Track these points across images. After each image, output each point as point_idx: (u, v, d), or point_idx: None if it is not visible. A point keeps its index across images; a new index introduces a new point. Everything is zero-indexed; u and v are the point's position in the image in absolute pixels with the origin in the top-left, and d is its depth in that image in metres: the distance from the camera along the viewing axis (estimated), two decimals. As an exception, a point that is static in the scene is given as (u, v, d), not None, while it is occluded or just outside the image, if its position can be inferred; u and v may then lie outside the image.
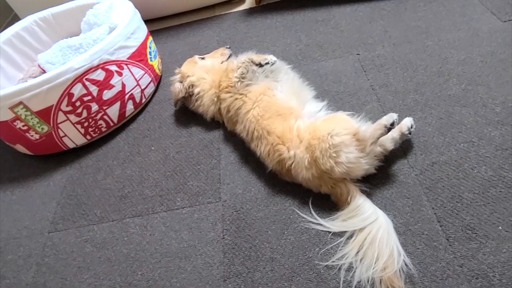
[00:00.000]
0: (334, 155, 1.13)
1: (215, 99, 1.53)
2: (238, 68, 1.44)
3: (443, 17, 1.79)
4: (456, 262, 1.02)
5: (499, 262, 0.99)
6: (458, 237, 1.07)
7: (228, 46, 1.74)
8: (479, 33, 1.64)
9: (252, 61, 1.43)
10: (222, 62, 1.64)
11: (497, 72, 1.46)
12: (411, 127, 1.27)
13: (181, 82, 1.61)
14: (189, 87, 1.57)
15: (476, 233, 1.06)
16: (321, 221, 1.17)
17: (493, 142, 1.25)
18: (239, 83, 1.41)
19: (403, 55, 1.67)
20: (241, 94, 1.41)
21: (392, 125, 1.15)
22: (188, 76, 1.60)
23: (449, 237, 1.07)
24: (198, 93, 1.56)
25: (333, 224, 1.16)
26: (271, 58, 1.46)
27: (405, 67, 1.61)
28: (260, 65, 1.43)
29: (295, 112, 1.31)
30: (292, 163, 1.22)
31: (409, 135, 1.27)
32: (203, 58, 1.69)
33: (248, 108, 1.36)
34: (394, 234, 1.08)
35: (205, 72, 1.58)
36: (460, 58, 1.56)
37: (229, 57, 1.68)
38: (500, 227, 1.06)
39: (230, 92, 1.44)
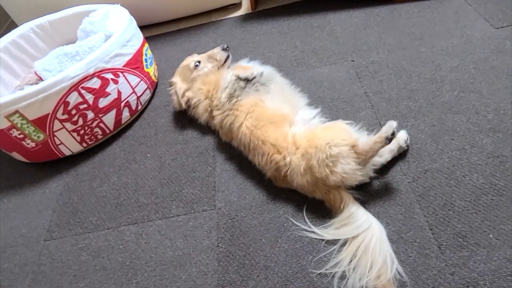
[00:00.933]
0: (331, 164, 1.13)
1: (208, 108, 1.54)
2: (225, 88, 1.44)
3: (437, 24, 1.80)
4: (447, 270, 1.03)
5: (490, 270, 1.00)
6: (450, 245, 1.07)
7: (225, 47, 1.66)
8: (472, 40, 1.66)
9: (238, 77, 1.43)
10: (218, 68, 1.64)
11: (490, 79, 1.47)
12: (407, 140, 1.30)
13: (179, 96, 1.62)
14: (187, 101, 1.61)
15: (467, 241, 1.07)
16: (314, 229, 1.18)
17: (485, 149, 1.26)
18: (227, 103, 1.42)
19: (397, 62, 1.68)
20: (231, 109, 1.41)
21: (393, 134, 1.14)
22: (185, 91, 1.61)
23: (441, 245, 1.08)
24: (195, 103, 1.59)
25: (326, 232, 1.16)
26: (257, 70, 1.44)
27: (399, 74, 1.62)
28: (247, 80, 1.43)
29: (288, 118, 1.32)
30: (288, 169, 1.23)
31: (405, 147, 1.29)
32: (197, 64, 1.62)
33: (240, 121, 1.37)
34: (387, 242, 1.09)
35: (201, 83, 1.58)
36: (453, 65, 1.58)
37: (226, 60, 1.66)
38: (491, 235, 1.07)
39: (220, 109, 1.46)
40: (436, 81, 1.54)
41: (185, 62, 1.68)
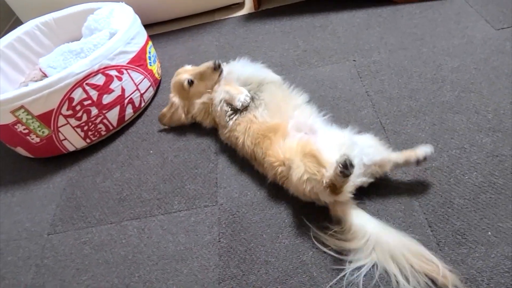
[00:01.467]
0: (313, 196, 1.15)
1: (213, 120, 1.57)
2: (220, 117, 1.47)
3: (438, 24, 1.81)
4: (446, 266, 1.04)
5: (488, 267, 1.01)
6: (448, 242, 1.09)
7: (217, 62, 1.52)
8: (473, 40, 1.67)
9: (228, 104, 1.44)
10: (213, 87, 1.54)
11: (490, 80, 1.49)
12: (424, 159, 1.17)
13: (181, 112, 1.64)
14: (192, 117, 1.64)
15: (466, 239, 1.08)
16: (324, 236, 1.15)
17: (484, 148, 1.27)
18: (227, 124, 1.44)
19: (398, 61, 1.69)
20: (231, 130, 1.43)
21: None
22: (187, 109, 1.63)
23: (440, 242, 1.09)
24: (199, 120, 1.63)
25: (335, 244, 1.13)
26: (245, 99, 1.39)
27: (400, 73, 1.64)
28: (236, 109, 1.42)
29: (280, 129, 1.28)
30: (286, 179, 1.23)
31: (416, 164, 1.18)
32: (191, 83, 1.56)
33: (242, 141, 1.38)
34: (407, 242, 1.06)
35: (201, 101, 1.57)
36: (454, 65, 1.59)
37: (220, 74, 1.54)
38: (489, 233, 1.08)
39: (225, 128, 1.47)
40: (437, 81, 1.55)
41: (178, 78, 1.61)
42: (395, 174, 1.29)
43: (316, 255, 1.15)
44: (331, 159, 1.07)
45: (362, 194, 1.23)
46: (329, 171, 1.07)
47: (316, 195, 1.13)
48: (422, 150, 1.15)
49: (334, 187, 1.08)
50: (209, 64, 1.54)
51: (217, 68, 1.53)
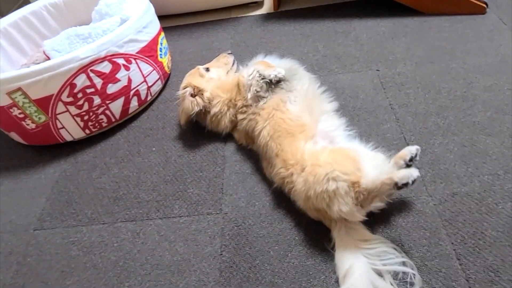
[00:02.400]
0: (327, 200, 1.01)
1: (233, 118, 1.42)
2: (250, 86, 1.32)
3: (469, 40, 1.71)
4: (476, 307, 0.92)
5: (525, 312, 0.89)
6: (479, 278, 0.97)
7: (229, 52, 1.62)
8: (508, 59, 1.56)
9: (262, 77, 1.31)
10: (227, 72, 1.54)
11: (526, 102, 1.38)
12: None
13: (193, 96, 1.42)
14: (208, 103, 1.41)
15: (499, 276, 0.96)
16: None
17: (521, 177, 1.16)
18: (255, 103, 1.32)
19: (425, 75, 1.58)
20: (254, 113, 1.31)
21: (406, 185, 0.95)
22: (200, 90, 1.42)
23: (469, 277, 0.97)
24: (215, 113, 1.41)
25: None
26: (279, 72, 1.30)
27: (427, 88, 1.53)
28: (270, 82, 1.30)
29: (306, 130, 1.18)
30: (293, 187, 1.12)
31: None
32: (207, 69, 1.53)
33: (260, 128, 1.26)
34: None
35: (217, 88, 1.43)
36: (486, 84, 1.48)
37: (233, 64, 1.58)
38: (526, 273, 0.96)
39: (244, 113, 1.35)
40: (468, 99, 1.44)
41: (192, 71, 1.54)
42: (419, 196, 1.17)
43: (328, 280, 1.03)
44: (367, 169, 1.00)
45: (382, 217, 1.11)
46: (370, 178, 0.98)
47: (332, 200, 1.00)
48: (405, 173, 0.97)
49: (366, 197, 0.99)
50: (222, 53, 1.59)
51: (230, 52, 1.56)
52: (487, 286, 0.95)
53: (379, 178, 0.98)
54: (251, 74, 1.33)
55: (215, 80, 1.49)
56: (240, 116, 1.38)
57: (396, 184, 0.96)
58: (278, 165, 1.17)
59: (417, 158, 1.09)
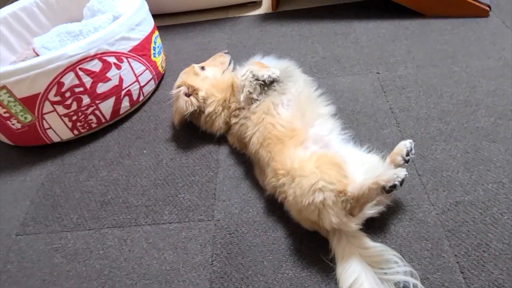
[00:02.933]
0: (316, 212, 0.96)
1: (228, 120, 1.36)
2: (243, 87, 1.26)
3: (472, 43, 1.66)
4: (481, 324, 0.87)
5: (534, 331, 0.84)
6: (484, 293, 0.91)
7: (226, 51, 1.57)
8: (511, 63, 1.52)
9: (255, 78, 1.25)
10: (223, 72, 1.48)
11: (531, 108, 1.33)
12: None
13: (187, 95, 1.37)
14: (203, 102, 1.36)
15: (505, 292, 0.91)
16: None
17: (526, 186, 1.11)
18: (247, 106, 1.26)
19: (427, 79, 1.54)
20: (246, 118, 1.25)
21: (393, 187, 0.90)
22: (195, 90, 1.37)
23: (474, 292, 0.92)
24: (209, 113, 1.36)
25: None
26: (273, 72, 1.25)
27: (428, 92, 1.48)
28: (264, 83, 1.25)
29: (297, 136, 1.12)
30: (285, 198, 1.06)
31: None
32: (202, 68, 1.48)
33: (250, 134, 1.21)
34: None
35: (212, 87, 1.38)
36: (490, 89, 1.43)
37: (229, 63, 1.53)
38: (534, 288, 0.91)
39: (237, 117, 1.29)
40: (471, 104, 1.39)
41: (187, 69, 1.50)
42: (421, 204, 1.12)
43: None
44: (355, 175, 0.96)
45: (382, 226, 1.06)
46: (357, 184, 0.93)
47: (321, 212, 0.95)
48: (391, 174, 0.92)
49: (355, 205, 0.93)
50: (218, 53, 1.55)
51: (227, 52, 1.53)
52: (493, 302, 0.90)
53: (365, 184, 0.92)
54: (244, 74, 1.28)
55: (211, 79, 1.43)
56: (233, 120, 1.32)
57: (383, 187, 0.90)
58: (270, 175, 1.11)
59: (413, 152, 1.04)
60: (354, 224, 0.97)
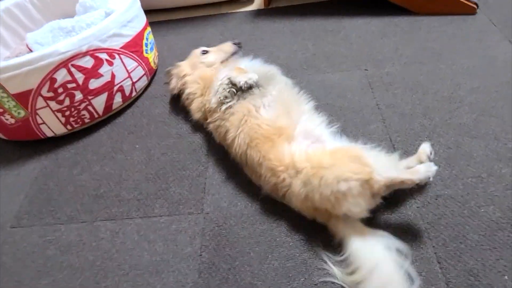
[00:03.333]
0: (334, 201, 0.98)
1: (202, 108, 1.40)
2: (217, 92, 1.29)
3: (459, 41, 1.70)
4: (455, 312, 0.91)
5: (503, 317, 0.89)
6: (459, 282, 0.96)
7: (236, 42, 1.58)
8: (496, 61, 1.56)
9: (231, 82, 1.27)
10: (222, 62, 1.52)
11: (512, 105, 1.37)
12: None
13: (178, 78, 1.52)
14: (182, 85, 1.49)
15: (479, 281, 0.96)
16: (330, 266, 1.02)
17: (504, 180, 1.15)
18: (218, 108, 1.28)
19: (413, 76, 1.57)
20: (223, 119, 1.26)
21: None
22: (185, 75, 1.50)
23: (449, 281, 0.96)
24: (188, 95, 1.46)
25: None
26: (251, 78, 1.25)
27: (414, 88, 1.52)
28: (240, 88, 1.25)
29: (285, 133, 1.14)
30: (287, 190, 1.09)
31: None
32: (205, 52, 1.56)
33: (232, 136, 1.22)
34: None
35: (199, 77, 1.45)
36: (473, 86, 1.47)
37: (233, 54, 1.55)
38: (506, 277, 0.95)
39: (211, 117, 1.32)
40: (455, 100, 1.43)
41: (195, 50, 1.60)
42: (403, 199, 1.16)
43: (307, 282, 1.01)
44: (375, 164, 0.99)
45: (364, 218, 1.09)
46: (388, 174, 0.98)
47: (340, 202, 0.98)
48: (426, 170, 1.01)
49: (377, 193, 1.00)
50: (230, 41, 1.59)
51: (236, 43, 1.56)
52: (467, 290, 0.94)
53: (398, 176, 0.99)
54: (221, 79, 1.30)
55: (203, 68, 1.49)
56: (209, 118, 1.34)
57: (414, 182, 0.99)
58: (267, 174, 1.13)
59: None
60: (367, 213, 1.01)
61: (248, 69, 1.35)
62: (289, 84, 1.37)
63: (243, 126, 1.19)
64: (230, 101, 1.26)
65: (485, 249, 1.01)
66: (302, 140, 1.13)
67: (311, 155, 1.06)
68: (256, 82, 1.26)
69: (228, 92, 1.27)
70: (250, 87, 1.26)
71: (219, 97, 1.27)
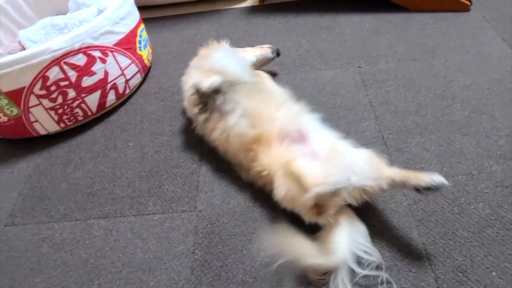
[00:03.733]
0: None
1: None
2: (188, 104, 1.32)
3: (452, 38, 1.70)
4: (443, 307, 0.93)
5: (490, 313, 0.90)
6: (448, 279, 0.97)
7: (276, 49, 1.59)
8: (488, 58, 1.56)
9: (196, 88, 1.23)
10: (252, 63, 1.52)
11: (503, 102, 1.38)
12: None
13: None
14: None
15: (467, 277, 0.97)
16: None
17: (494, 177, 1.16)
18: (201, 117, 1.28)
19: (406, 73, 1.58)
20: (210, 129, 1.26)
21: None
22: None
23: (438, 277, 0.98)
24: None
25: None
26: (209, 82, 1.19)
27: (407, 85, 1.52)
28: (203, 95, 1.22)
29: (263, 139, 1.12)
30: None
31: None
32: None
33: (222, 148, 1.25)
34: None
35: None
36: (466, 83, 1.48)
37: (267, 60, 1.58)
38: (494, 273, 0.97)
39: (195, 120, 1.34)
40: (447, 98, 1.44)
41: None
42: (394, 195, 1.17)
43: (298, 279, 1.02)
44: (316, 179, 0.97)
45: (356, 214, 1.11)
46: (314, 191, 0.96)
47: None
48: (429, 179, 0.96)
49: (319, 207, 0.99)
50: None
51: (274, 51, 1.59)
52: (455, 286, 0.96)
53: (402, 174, 1.01)
54: (189, 90, 1.30)
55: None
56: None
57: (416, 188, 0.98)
58: (257, 178, 1.16)
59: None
60: (326, 218, 1.01)
61: (212, 66, 1.29)
62: (254, 83, 1.32)
63: (228, 141, 1.21)
64: (204, 110, 1.26)
65: (473, 245, 1.02)
66: (284, 139, 1.10)
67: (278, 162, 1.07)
68: (221, 86, 1.21)
69: (197, 102, 1.26)
70: (217, 91, 1.21)
71: (193, 105, 1.29)
